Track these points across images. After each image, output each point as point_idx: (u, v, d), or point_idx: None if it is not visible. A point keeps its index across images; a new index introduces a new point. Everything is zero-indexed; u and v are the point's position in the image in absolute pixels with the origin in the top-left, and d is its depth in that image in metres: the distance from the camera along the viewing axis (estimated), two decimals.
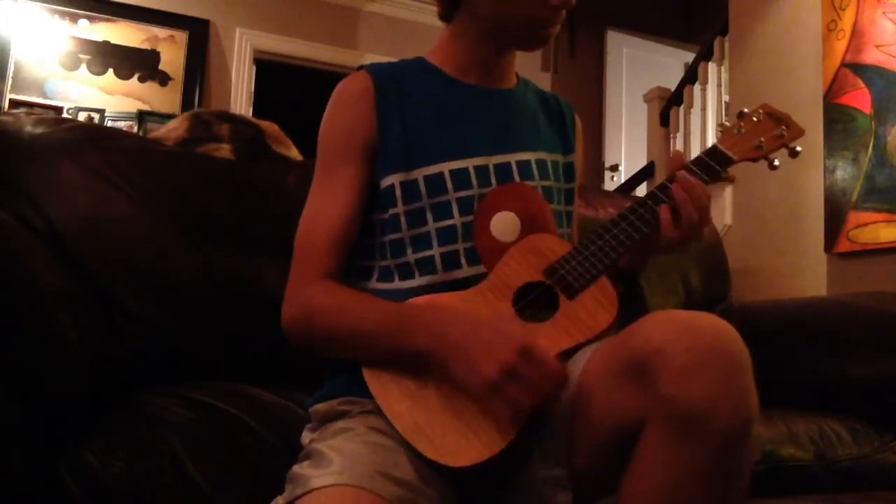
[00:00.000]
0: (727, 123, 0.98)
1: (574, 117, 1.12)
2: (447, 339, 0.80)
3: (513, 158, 0.99)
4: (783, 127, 0.96)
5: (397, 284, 0.95)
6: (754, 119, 0.97)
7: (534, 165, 1.00)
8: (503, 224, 0.94)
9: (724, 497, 0.68)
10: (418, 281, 0.93)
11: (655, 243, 0.91)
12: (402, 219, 0.94)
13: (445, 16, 1.03)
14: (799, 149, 0.95)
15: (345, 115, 0.98)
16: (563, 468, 0.78)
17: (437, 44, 1.05)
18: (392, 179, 0.94)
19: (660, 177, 3.60)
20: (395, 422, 0.82)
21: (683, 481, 0.67)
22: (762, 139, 0.95)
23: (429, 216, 0.94)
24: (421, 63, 1.04)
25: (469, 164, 0.96)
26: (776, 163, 0.96)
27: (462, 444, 0.78)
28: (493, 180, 0.96)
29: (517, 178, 0.98)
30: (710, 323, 0.69)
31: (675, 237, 0.87)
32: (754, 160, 0.95)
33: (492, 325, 0.81)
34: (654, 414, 0.68)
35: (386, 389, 0.85)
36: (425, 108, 0.99)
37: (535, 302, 0.89)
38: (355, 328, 0.88)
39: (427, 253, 0.93)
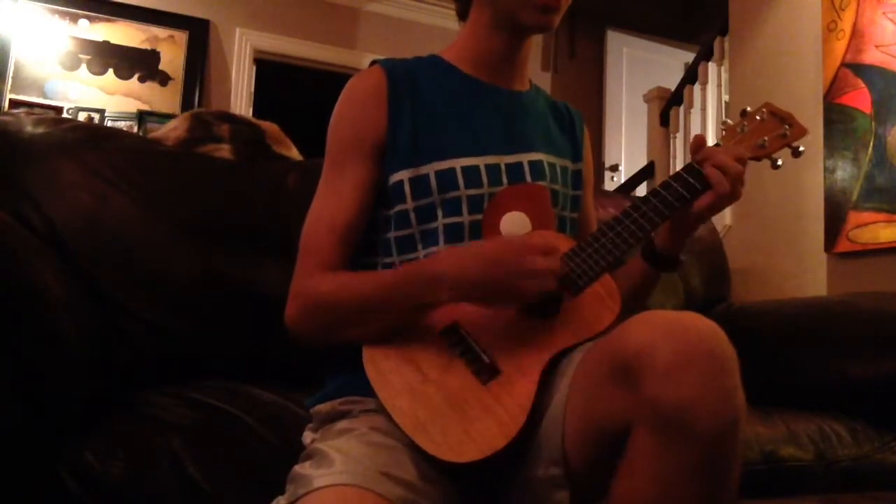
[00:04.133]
0: (730, 122, 0.98)
1: (583, 127, 1.13)
2: (472, 281, 0.83)
3: (525, 158, 0.99)
4: (786, 126, 0.96)
5: None
6: (757, 118, 0.96)
7: (545, 166, 1.00)
8: (513, 223, 0.94)
9: (712, 498, 0.68)
10: None
11: (687, 223, 0.92)
12: (412, 215, 0.94)
13: (461, 12, 1.04)
14: (802, 149, 0.95)
15: (355, 111, 0.98)
16: (560, 468, 0.78)
17: (453, 42, 1.05)
18: (401, 175, 0.95)
19: (660, 177, 3.60)
20: (397, 417, 0.81)
21: (671, 482, 0.67)
22: (765, 138, 0.94)
23: (439, 212, 0.94)
24: (435, 60, 1.04)
25: (480, 161, 0.96)
26: (779, 162, 0.95)
27: (464, 440, 0.78)
28: (505, 179, 0.96)
29: (529, 179, 0.98)
30: (695, 323, 0.69)
31: (707, 209, 0.89)
32: (757, 160, 0.95)
33: (506, 247, 0.83)
34: (640, 415, 0.68)
35: (387, 385, 0.85)
36: (438, 104, 0.99)
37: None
38: (363, 298, 0.88)
39: (432, 249, 0.94)
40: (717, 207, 0.89)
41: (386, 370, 0.86)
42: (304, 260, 0.95)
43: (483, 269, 0.82)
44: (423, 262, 0.90)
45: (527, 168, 0.98)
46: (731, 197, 0.88)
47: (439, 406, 0.81)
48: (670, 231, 0.95)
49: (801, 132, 0.96)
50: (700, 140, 0.94)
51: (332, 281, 0.91)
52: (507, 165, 0.97)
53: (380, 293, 0.88)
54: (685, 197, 0.89)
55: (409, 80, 0.99)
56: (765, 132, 0.95)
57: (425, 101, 0.98)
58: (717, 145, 0.94)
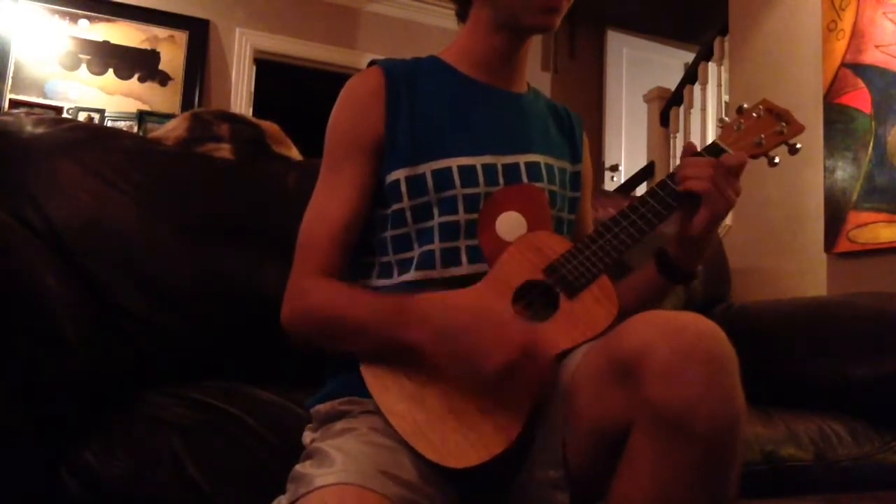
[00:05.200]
0: (727, 119, 0.97)
1: (582, 129, 1.13)
2: (446, 333, 0.79)
3: (522, 159, 0.99)
4: (783, 123, 0.95)
5: (395, 279, 0.95)
6: (754, 115, 0.96)
7: (542, 168, 1.00)
8: (509, 224, 0.94)
9: (712, 498, 0.68)
10: (414, 275, 0.93)
11: (692, 233, 0.89)
12: (408, 213, 0.94)
13: (461, 13, 1.04)
14: (799, 146, 0.95)
15: (354, 111, 0.98)
16: (560, 469, 0.78)
17: (452, 43, 1.05)
18: (398, 174, 0.95)
19: (660, 177, 3.60)
20: (395, 422, 0.81)
21: (670, 483, 0.67)
22: (762, 136, 0.94)
23: (435, 211, 0.94)
24: (434, 61, 1.04)
25: (477, 161, 0.96)
26: (776, 160, 0.95)
27: (462, 445, 0.78)
28: (501, 179, 0.96)
29: (525, 179, 0.98)
30: (695, 323, 0.69)
31: (703, 220, 0.87)
32: (754, 157, 0.94)
33: (493, 320, 0.80)
34: (639, 416, 0.68)
35: (385, 390, 0.85)
36: (436, 104, 0.99)
37: (534, 301, 0.88)
38: (351, 321, 0.88)
39: (428, 247, 0.93)
40: (714, 216, 0.88)
41: (383, 374, 0.86)
42: (300, 260, 0.95)
43: (463, 326, 0.79)
44: (411, 295, 0.89)
45: (523, 169, 0.98)
46: (722, 201, 0.87)
47: (437, 410, 0.81)
48: (681, 241, 0.94)
49: (798, 129, 0.95)
50: (689, 148, 0.94)
51: (324, 293, 0.91)
52: (504, 166, 0.97)
53: (364, 320, 0.87)
54: (682, 195, 0.89)
55: (408, 80, 0.99)
56: (761, 130, 0.95)
57: (423, 101, 0.98)
58: (713, 143, 0.94)
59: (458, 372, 0.79)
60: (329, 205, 0.95)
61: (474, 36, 1.02)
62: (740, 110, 0.97)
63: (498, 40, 1.00)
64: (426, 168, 0.94)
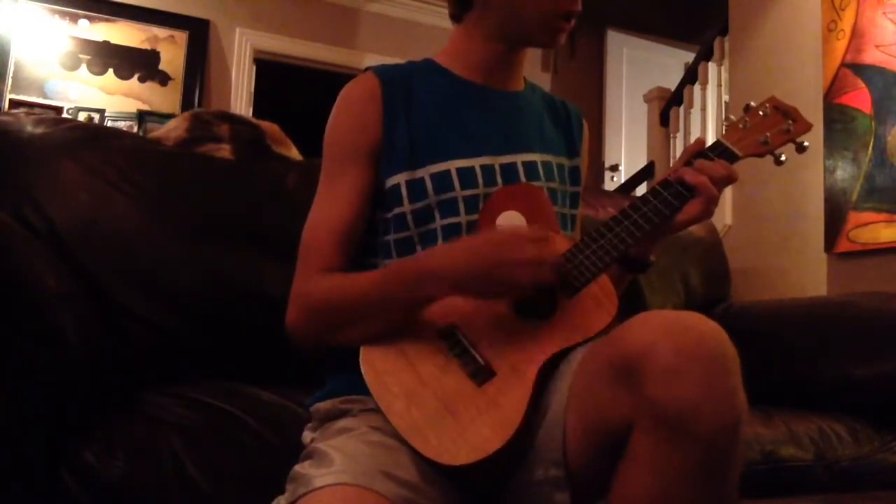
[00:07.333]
0: (733, 118, 0.97)
1: (581, 123, 1.13)
2: (465, 268, 0.83)
3: (519, 159, 0.99)
4: (790, 121, 0.95)
5: None
6: (761, 113, 0.95)
7: (539, 166, 1.00)
8: (509, 222, 0.94)
9: (713, 498, 0.68)
10: None
11: (664, 230, 0.91)
12: (409, 217, 0.94)
13: (456, 15, 1.03)
14: (806, 144, 0.94)
15: (350, 117, 0.98)
16: (560, 469, 0.78)
17: (447, 45, 1.05)
18: (397, 179, 0.95)
19: (660, 177, 3.59)
20: (393, 420, 0.82)
21: (671, 483, 0.67)
22: (768, 134, 0.93)
23: (436, 213, 0.94)
24: (429, 64, 1.04)
25: (475, 163, 0.96)
26: (782, 158, 0.94)
27: (458, 443, 0.78)
28: (499, 180, 0.97)
29: (523, 179, 0.98)
30: (697, 323, 0.69)
31: (687, 222, 0.90)
32: (760, 156, 0.94)
33: (495, 238, 0.85)
34: (641, 415, 0.68)
35: (384, 388, 0.85)
36: (432, 107, 0.99)
37: (533, 300, 0.88)
38: (355, 297, 0.89)
39: None
40: (702, 219, 0.90)
41: (382, 372, 0.86)
42: (303, 264, 0.95)
43: (472, 260, 0.82)
44: (414, 258, 0.91)
45: (521, 168, 0.99)
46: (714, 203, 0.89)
47: (434, 408, 0.81)
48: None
49: (805, 127, 0.95)
50: (699, 144, 0.95)
51: (327, 282, 0.92)
52: (502, 166, 0.98)
53: (372, 291, 0.88)
54: (685, 195, 0.89)
55: (404, 84, 1.00)
56: (767, 128, 0.94)
57: (420, 104, 0.99)
58: (717, 142, 0.94)
59: (491, 289, 0.83)
60: (330, 210, 0.96)
61: (471, 40, 1.02)
62: (747, 108, 0.96)
63: (496, 47, 1.01)
64: (425, 172, 0.95)
